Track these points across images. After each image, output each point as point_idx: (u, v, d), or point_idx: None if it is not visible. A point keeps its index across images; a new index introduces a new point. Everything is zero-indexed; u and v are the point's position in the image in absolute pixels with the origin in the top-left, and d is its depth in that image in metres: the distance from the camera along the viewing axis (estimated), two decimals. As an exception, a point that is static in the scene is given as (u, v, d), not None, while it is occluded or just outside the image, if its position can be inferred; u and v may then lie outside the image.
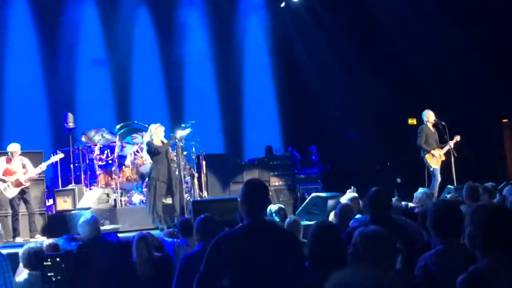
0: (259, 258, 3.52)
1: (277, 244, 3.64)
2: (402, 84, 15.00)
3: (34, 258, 5.53)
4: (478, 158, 13.36)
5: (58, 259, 5.29)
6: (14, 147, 9.92)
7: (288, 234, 3.97)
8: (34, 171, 10.06)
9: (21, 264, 5.83)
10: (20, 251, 5.76)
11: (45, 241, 6.99)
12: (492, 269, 2.79)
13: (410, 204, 7.71)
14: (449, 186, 10.82)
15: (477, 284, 2.75)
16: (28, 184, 9.94)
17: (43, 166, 10.32)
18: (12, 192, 9.76)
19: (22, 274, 5.70)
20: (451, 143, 11.40)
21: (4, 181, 9.74)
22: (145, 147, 10.11)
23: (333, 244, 4.09)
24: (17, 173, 9.81)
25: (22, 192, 9.87)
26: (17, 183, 9.79)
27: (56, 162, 11.08)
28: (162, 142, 9.85)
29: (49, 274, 5.22)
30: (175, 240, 6.84)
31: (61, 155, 10.82)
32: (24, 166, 9.93)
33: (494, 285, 2.74)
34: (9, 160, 9.86)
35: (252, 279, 3.52)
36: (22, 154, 10.10)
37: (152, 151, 9.76)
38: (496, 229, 2.87)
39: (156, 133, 9.88)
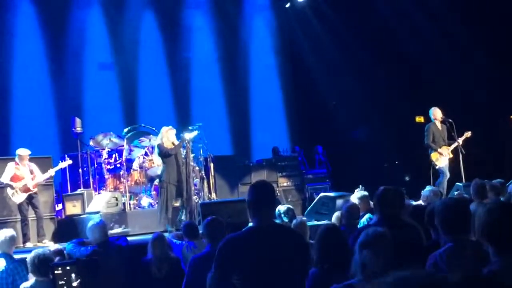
0: (267, 260, 3.53)
1: (285, 245, 3.64)
2: (409, 82, 14.95)
3: (42, 265, 5.55)
4: (487, 155, 13.30)
5: (68, 268, 5.32)
6: (24, 152, 9.94)
7: (295, 235, 3.97)
8: (42, 177, 10.09)
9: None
10: (27, 257, 5.78)
11: (50, 247, 7.01)
12: (506, 270, 2.75)
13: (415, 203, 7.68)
14: (457, 183, 10.77)
15: (492, 286, 2.71)
16: (35, 189, 9.97)
17: (52, 172, 10.36)
18: (19, 197, 9.80)
19: (29, 280, 5.73)
20: (460, 140, 11.36)
21: (12, 187, 9.77)
22: (156, 150, 10.15)
23: (338, 246, 4.09)
24: (25, 178, 9.85)
25: (30, 198, 9.90)
26: (25, 189, 9.82)
27: (65, 167, 11.13)
28: (173, 144, 9.87)
29: (60, 283, 5.25)
30: (183, 242, 6.87)
31: (69, 162, 10.86)
32: (31, 172, 9.97)
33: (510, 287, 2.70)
34: (17, 166, 9.89)
35: (261, 280, 3.53)
36: (31, 159, 10.13)
37: (163, 153, 9.80)
38: (503, 229, 2.83)
39: (167, 135, 9.90)
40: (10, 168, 9.85)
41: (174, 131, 10.06)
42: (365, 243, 3.25)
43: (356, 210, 6.63)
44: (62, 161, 10.95)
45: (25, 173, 9.88)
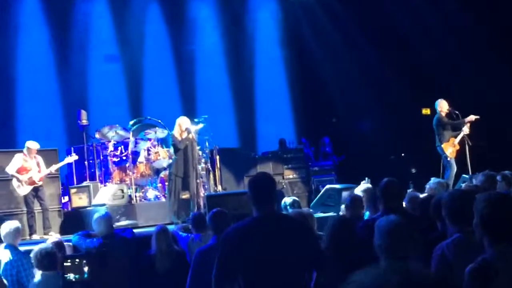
0: (268, 249, 3.53)
1: (287, 235, 3.63)
2: (415, 74, 14.90)
3: (45, 259, 5.57)
4: (492, 146, 13.25)
5: (77, 260, 5.35)
6: (34, 145, 9.93)
7: (299, 225, 3.95)
8: (47, 170, 10.11)
9: None
10: (31, 252, 5.80)
11: (49, 239, 7.02)
12: (500, 259, 2.77)
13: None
14: (464, 175, 10.72)
15: (485, 274, 2.73)
16: (41, 182, 9.97)
17: (56, 166, 10.40)
18: (24, 189, 9.80)
19: (36, 275, 5.76)
20: (465, 129, 11.24)
21: (18, 178, 9.78)
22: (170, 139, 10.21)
23: (350, 239, 4.08)
24: (32, 171, 9.85)
25: (36, 190, 9.91)
26: (30, 181, 9.82)
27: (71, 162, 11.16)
28: (184, 131, 9.84)
29: (68, 274, 5.28)
30: (189, 235, 6.86)
31: (75, 157, 10.86)
32: (38, 165, 9.98)
33: (502, 275, 2.72)
34: (25, 158, 9.89)
35: (263, 270, 3.52)
36: (38, 152, 10.14)
37: (173, 145, 9.85)
38: (499, 219, 2.84)
39: (180, 126, 9.88)
40: (18, 160, 9.84)
41: (186, 120, 9.98)
42: (386, 231, 3.26)
43: (360, 202, 6.58)
44: (69, 155, 10.97)
45: (32, 166, 9.89)
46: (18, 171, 9.79)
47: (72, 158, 10.83)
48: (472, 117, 11.27)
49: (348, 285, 1.24)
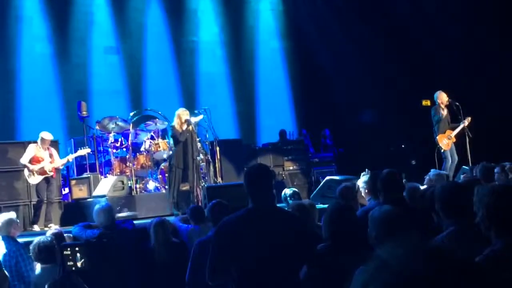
0: (260, 242, 3.50)
1: (280, 227, 3.61)
2: (416, 66, 14.88)
3: (43, 252, 5.59)
4: (493, 138, 13.24)
5: (77, 249, 5.36)
6: (48, 136, 9.95)
7: (294, 219, 3.93)
8: (60, 162, 10.15)
9: None
10: (31, 244, 5.81)
11: (49, 230, 7.03)
12: (507, 251, 2.77)
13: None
14: (464, 167, 10.73)
15: (493, 266, 2.73)
16: (52, 173, 9.98)
17: (70, 157, 10.46)
18: (35, 179, 9.82)
19: (37, 267, 5.77)
20: (465, 123, 11.24)
21: (29, 168, 9.81)
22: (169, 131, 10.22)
23: (351, 224, 4.03)
24: (44, 161, 9.87)
25: (47, 180, 9.94)
26: (41, 171, 9.85)
27: (71, 151, 11.17)
28: (184, 123, 9.82)
29: (68, 263, 5.30)
30: (189, 225, 6.89)
31: (88, 150, 10.85)
32: (51, 156, 10.01)
33: (511, 267, 2.72)
34: (38, 148, 9.92)
35: (255, 262, 3.51)
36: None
37: (174, 137, 9.84)
38: (507, 210, 2.84)
39: (180, 118, 9.87)
40: (31, 150, 9.86)
41: (186, 112, 9.99)
42: (379, 221, 3.24)
43: (350, 192, 6.52)
44: (80, 149, 10.96)
45: (44, 156, 9.91)
46: (31, 161, 9.82)
47: (85, 150, 10.80)
48: (467, 120, 11.23)
49: (372, 262, 1.23)
